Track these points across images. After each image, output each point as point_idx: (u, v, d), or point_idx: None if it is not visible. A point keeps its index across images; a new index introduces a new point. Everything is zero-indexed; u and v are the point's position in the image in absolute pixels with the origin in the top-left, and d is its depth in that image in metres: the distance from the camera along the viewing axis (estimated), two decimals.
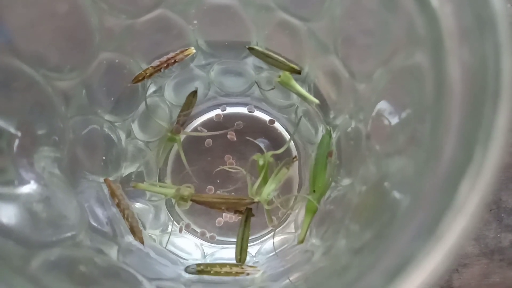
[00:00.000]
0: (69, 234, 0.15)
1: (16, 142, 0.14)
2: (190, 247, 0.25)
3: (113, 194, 0.21)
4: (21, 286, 0.10)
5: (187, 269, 0.20)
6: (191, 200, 0.21)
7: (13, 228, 0.12)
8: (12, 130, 0.14)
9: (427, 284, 0.08)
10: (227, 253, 0.24)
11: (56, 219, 0.15)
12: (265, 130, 0.28)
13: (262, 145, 0.27)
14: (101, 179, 0.21)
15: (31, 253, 0.12)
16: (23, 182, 0.14)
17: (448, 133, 0.09)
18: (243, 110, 0.28)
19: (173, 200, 0.23)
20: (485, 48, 0.09)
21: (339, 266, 0.13)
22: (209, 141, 0.28)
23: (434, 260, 0.08)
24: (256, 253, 0.24)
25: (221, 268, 0.20)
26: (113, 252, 0.18)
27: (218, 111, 0.28)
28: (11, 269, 0.10)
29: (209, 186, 0.27)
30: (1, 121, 0.14)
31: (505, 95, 0.08)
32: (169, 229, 0.25)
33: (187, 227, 0.27)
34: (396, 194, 0.11)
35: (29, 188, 0.14)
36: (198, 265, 0.20)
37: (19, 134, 0.14)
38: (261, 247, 0.25)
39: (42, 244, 0.13)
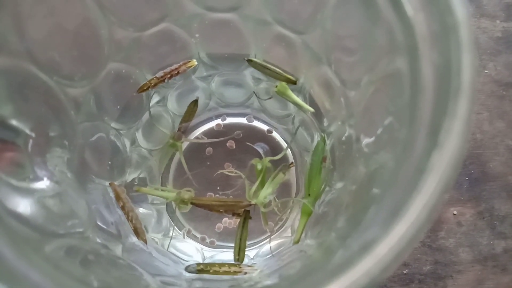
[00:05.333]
0: (77, 230, 0.17)
1: (31, 141, 0.15)
2: (191, 250, 0.26)
3: (118, 197, 0.22)
4: (38, 263, 0.11)
5: (187, 268, 0.21)
6: (191, 203, 0.22)
7: (29, 217, 0.14)
8: (27, 130, 0.15)
9: (395, 251, 0.09)
10: (226, 256, 0.25)
11: (66, 215, 0.16)
12: (264, 139, 0.29)
13: (261, 151, 0.28)
14: (107, 183, 0.22)
15: (44, 239, 0.13)
16: (38, 178, 0.15)
17: (420, 126, 0.11)
18: (243, 120, 0.29)
19: (174, 205, 0.24)
20: (450, 49, 0.10)
21: (327, 250, 0.14)
22: (209, 150, 0.29)
23: (398, 232, 0.09)
24: (254, 256, 0.25)
25: (220, 268, 0.21)
26: (118, 250, 0.19)
27: (218, 121, 0.29)
28: (31, 248, 0.11)
29: (209, 193, 0.28)
30: (18, 121, 0.15)
31: (465, 88, 0.10)
32: (171, 233, 0.26)
33: (188, 232, 0.28)
34: (378, 187, 0.13)
35: (43, 184, 0.15)
36: (198, 264, 0.21)
37: (34, 134, 0.16)
38: (259, 251, 0.26)
39: (53, 234, 0.14)
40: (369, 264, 0.09)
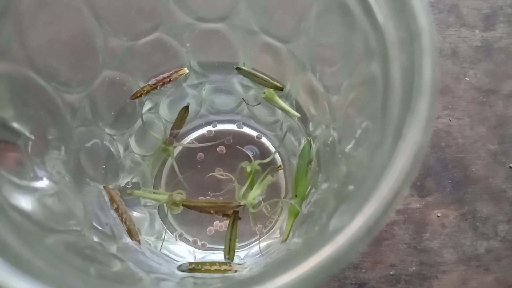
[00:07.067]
0: (74, 228, 0.17)
1: (30, 143, 0.16)
2: (183, 252, 0.27)
3: (112, 200, 0.23)
4: (41, 251, 0.12)
5: (179, 267, 0.22)
6: (183, 205, 0.23)
7: (30, 213, 0.14)
8: (27, 133, 0.16)
9: (364, 229, 0.10)
10: (217, 257, 0.26)
11: (64, 213, 0.17)
12: (253, 145, 0.30)
13: (250, 154, 0.29)
14: (101, 186, 0.23)
15: (45, 234, 0.14)
16: (37, 177, 0.16)
17: (390, 122, 0.12)
18: (233, 126, 0.30)
19: (166, 209, 0.25)
20: (413, 53, 0.11)
21: (310, 241, 0.15)
22: (201, 155, 0.30)
23: (366, 213, 0.10)
24: (244, 256, 0.26)
25: (211, 266, 0.22)
26: (113, 249, 0.20)
27: (209, 128, 0.30)
28: (33, 239, 0.12)
29: (200, 197, 0.29)
30: (19, 124, 0.16)
31: (425, 88, 0.11)
32: (163, 236, 0.27)
33: (180, 236, 0.29)
34: (354, 183, 0.14)
35: (43, 183, 0.16)
36: (190, 263, 0.22)
37: (33, 137, 0.16)
38: (249, 252, 0.26)
39: (52, 230, 0.15)
40: (340, 241, 0.10)
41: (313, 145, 0.24)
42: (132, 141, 0.27)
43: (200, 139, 0.30)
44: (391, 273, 0.32)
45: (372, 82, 0.14)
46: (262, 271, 0.16)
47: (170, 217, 0.28)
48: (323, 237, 0.11)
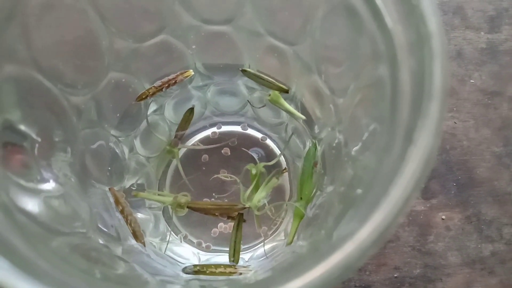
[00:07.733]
0: (80, 230, 0.17)
1: (37, 145, 0.16)
2: (187, 254, 0.27)
3: (117, 202, 0.23)
4: (46, 254, 0.12)
5: (184, 270, 0.22)
6: (187, 207, 0.23)
7: (36, 215, 0.14)
8: (34, 135, 0.16)
9: (375, 235, 0.10)
10: (221, 259, 0.26)
11: (70, 215, 0.17)
12: (258, 147, 0.30)
13: (255, 156, 0.29)
14: (107, 188, 0.23)
15: (50, 236, 0.14)
16: (44, 180, 0.16)
17: (399, 127, 0.12)
18: (238, 128, 0.30)
19: (171, 211, 0.25)
20: (423, 57, 0.11)
21: (316, 245, 0.14)
22: (205, 157, 0.30)
23: (376, 220, 0.10)
24: (249, 259, 0.26)
25: (216, 269, 0.22)
26: (118, 251, 0.20)
27: (214, 129, 0.30)
28: (39, 241, 0.12)
29: (205, 199, 0.29)
30: (26, 126, 0.16)
31: (436, 92, 0.11)
32: (168, 238, 0.27)
33: (185, 237, 0.29)
34: (362, 187, 0.13)
35: (49, 185, 0.16)
36: (195, 266, 0.22)
37: (39, 139, 0.16)
38: (254, 254, 0.26)
39: (58, 232, 0.15)
40: (349, 248, 0.10)
41: (319, 148, 0.24)
42: (137, 143, 0.27)
43: (204, 140, 0.30)
44: (395, 275, 0.31)
45: (379, 85, 0.14)
46: (268, 276, 0.16)
47: (174, 219, 0.28)
48: (330, 242, 0.10)
